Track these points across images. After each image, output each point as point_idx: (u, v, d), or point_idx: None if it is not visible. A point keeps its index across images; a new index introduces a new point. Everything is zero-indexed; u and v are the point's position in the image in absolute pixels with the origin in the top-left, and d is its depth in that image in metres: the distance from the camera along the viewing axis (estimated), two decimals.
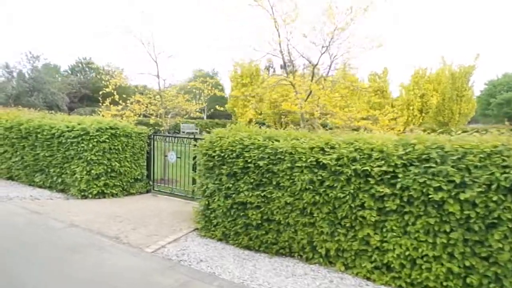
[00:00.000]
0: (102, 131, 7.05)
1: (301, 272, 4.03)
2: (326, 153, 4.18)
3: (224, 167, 4.86)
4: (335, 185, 4.06)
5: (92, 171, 6.94)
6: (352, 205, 3.97)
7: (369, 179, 3.87)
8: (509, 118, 32.29)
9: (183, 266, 4.05)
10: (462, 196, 3.35)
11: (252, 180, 4.64)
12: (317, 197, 4.17)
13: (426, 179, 3.54)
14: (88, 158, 6.90)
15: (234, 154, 4.75)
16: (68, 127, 7.22)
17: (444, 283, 3.50)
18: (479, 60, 19.59)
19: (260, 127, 5.28)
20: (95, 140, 6.93)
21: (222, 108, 13.62)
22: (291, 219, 4.41)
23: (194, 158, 7.33)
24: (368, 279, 3.90)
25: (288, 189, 4.39)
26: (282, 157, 4.41)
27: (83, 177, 6.93)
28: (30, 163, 7.84)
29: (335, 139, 4.30)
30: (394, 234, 3.76)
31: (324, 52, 7.03)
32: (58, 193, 7.35)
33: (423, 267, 3.62)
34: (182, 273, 3.84)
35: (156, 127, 8.82)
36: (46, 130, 7.51)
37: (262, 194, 4.57)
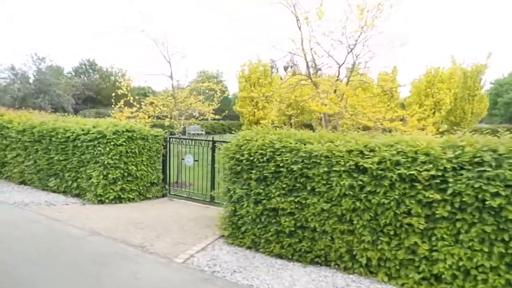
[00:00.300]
0: (119, 134, 6.84)
1: (342, 283, 3.78)
2: (366, 156, 3.94)
3: (253, 171, 4.62)
4: (377, 190, 3.82)
5: (109, 176, 6.72)
6: (397, 211, 3.73)
7: (415, 184, 3.63)
8: None
9: (217, 277, 3.81)
10: None
11: (284, 185, 4.40)
12: (357, 203, 3.93)
13: (481, 184, 3.30)
14: (105, 162, 6.68)
15: (264, 158, 4.52)
16: (83, 130, 7.01)
17: None
18: (491, 59, 19.34)
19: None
20: (112, 143, 6.71)
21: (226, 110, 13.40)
22: (327, 226, 4.16)
23: (212, 161, 7.16)
24: None
25: (325, 195, 4.14)
26: (318, 161, 4.17)
27: (99, 182, 6.71)
28: (44, 167, 7.63)
29: (374, 141, 4.06)
30: (445, 242, 3.52)
31: (350, 51, 6.80)
32: (73, 198, 7.14)
33: (478, 278, 3.38)
34: (219, 286, 3.61)
35: (170, 129, 8.58)
36: (61, 133, 7.30)
37: (296, 200, 4.33)
